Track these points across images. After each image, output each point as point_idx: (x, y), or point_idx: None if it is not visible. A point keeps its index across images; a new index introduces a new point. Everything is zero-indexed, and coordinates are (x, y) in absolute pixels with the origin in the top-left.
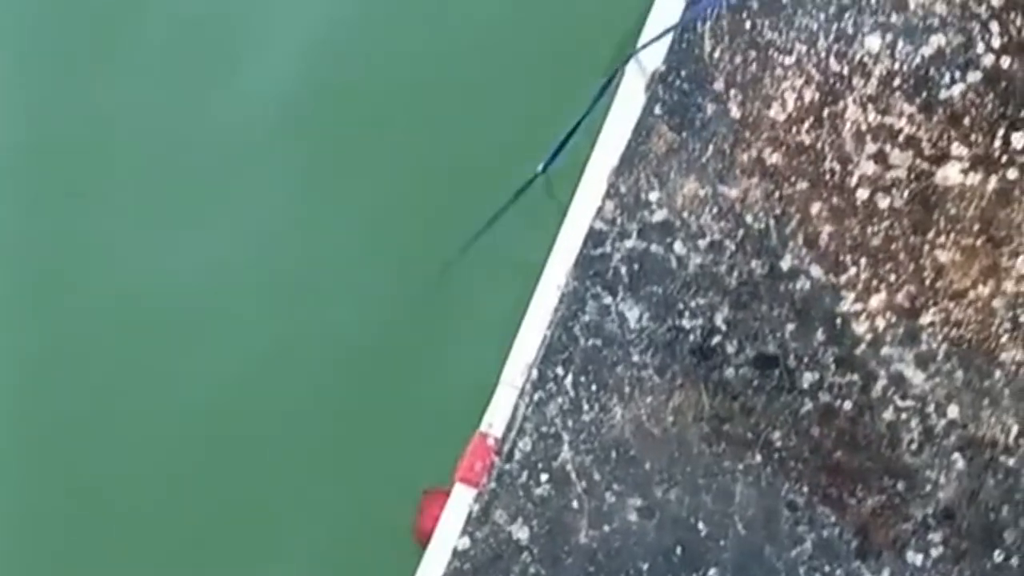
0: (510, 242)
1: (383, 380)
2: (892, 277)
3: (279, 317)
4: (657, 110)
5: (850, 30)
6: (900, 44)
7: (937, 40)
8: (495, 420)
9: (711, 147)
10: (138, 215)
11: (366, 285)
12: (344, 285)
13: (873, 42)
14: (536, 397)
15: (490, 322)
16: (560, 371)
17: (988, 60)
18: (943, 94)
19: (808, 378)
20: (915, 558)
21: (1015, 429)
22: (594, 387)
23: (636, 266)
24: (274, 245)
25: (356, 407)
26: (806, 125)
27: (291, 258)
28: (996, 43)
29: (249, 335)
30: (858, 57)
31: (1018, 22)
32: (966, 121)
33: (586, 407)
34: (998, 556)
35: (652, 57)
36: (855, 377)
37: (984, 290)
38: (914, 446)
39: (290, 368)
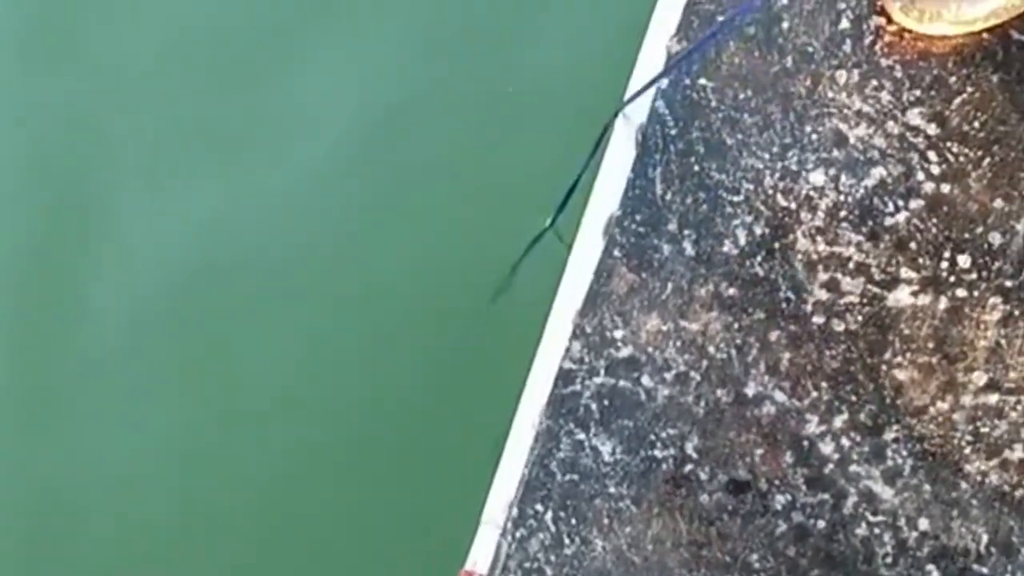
0: (482, 382)
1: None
2: (853, 397)
3: (255, 454)
4: (616, 252)
5: (794, 167)
6: (843, 178)
7: (878, 172)
8: (479, 559)
9: (670, 284)
10: None
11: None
12: (316, 411)
13: (817, 177)
14: (518, 534)
15: (472, 458)
16: (540, 507)
17: (929, 187)
18: (888, 222)
19: (780, 500)
20: None
21: (985, 538)
22: (574, 521)
23: (606, 402)
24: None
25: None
26: (759, 258)
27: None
28: (935, 171)
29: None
30: (804, 192)
31: (955, 150)
32: (912, 246)
33: (567, 541)
34: None
35: (608, 202)
36: (826, 496)
37: (943, 405)
38: (888, 559)
39: (279, 499)
